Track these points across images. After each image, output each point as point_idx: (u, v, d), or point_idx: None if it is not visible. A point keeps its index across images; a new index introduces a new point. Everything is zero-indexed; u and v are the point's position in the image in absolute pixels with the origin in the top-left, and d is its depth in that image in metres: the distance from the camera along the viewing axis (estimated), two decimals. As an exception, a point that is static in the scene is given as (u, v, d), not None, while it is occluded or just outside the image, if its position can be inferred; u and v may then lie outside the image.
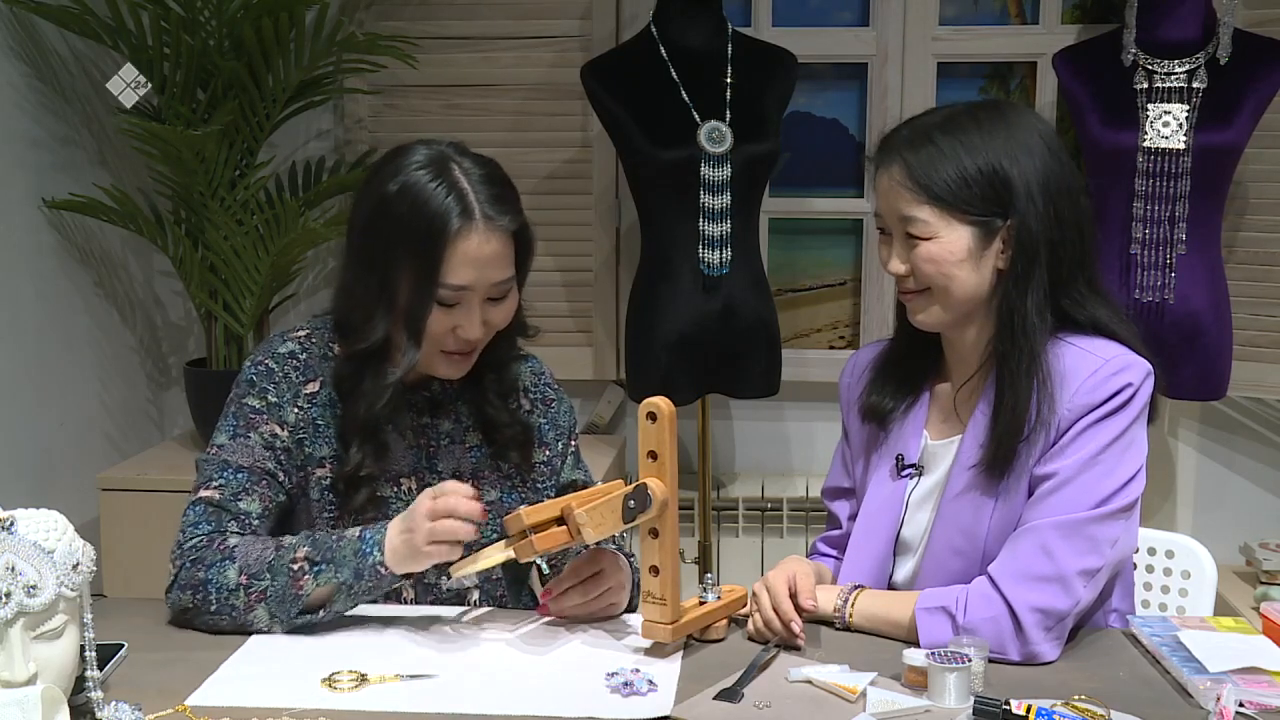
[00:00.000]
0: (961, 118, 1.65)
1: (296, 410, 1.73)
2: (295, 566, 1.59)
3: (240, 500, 1.68)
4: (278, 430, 1.71)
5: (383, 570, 1.58)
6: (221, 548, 1.63)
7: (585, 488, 1.89)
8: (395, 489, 1.75)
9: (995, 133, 1.63)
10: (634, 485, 1.56)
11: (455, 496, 1.55)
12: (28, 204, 2.91)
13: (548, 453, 1.86)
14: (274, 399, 1.72)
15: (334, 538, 1.62)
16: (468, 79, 3.38)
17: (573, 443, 1.91)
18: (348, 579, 1.59)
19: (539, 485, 1.85)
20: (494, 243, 1.64)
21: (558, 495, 1.85)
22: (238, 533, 1.67)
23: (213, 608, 1.61)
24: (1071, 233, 1.64)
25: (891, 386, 1.79)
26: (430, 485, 1.75)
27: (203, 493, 1.69)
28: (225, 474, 1.69)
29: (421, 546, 1.55)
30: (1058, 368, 1.63)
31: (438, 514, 1.54)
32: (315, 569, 1.59)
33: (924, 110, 1.74)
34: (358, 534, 1.61)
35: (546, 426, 1.87)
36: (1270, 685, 1.45)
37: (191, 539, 1.66)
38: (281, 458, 1.71)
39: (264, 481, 1.70)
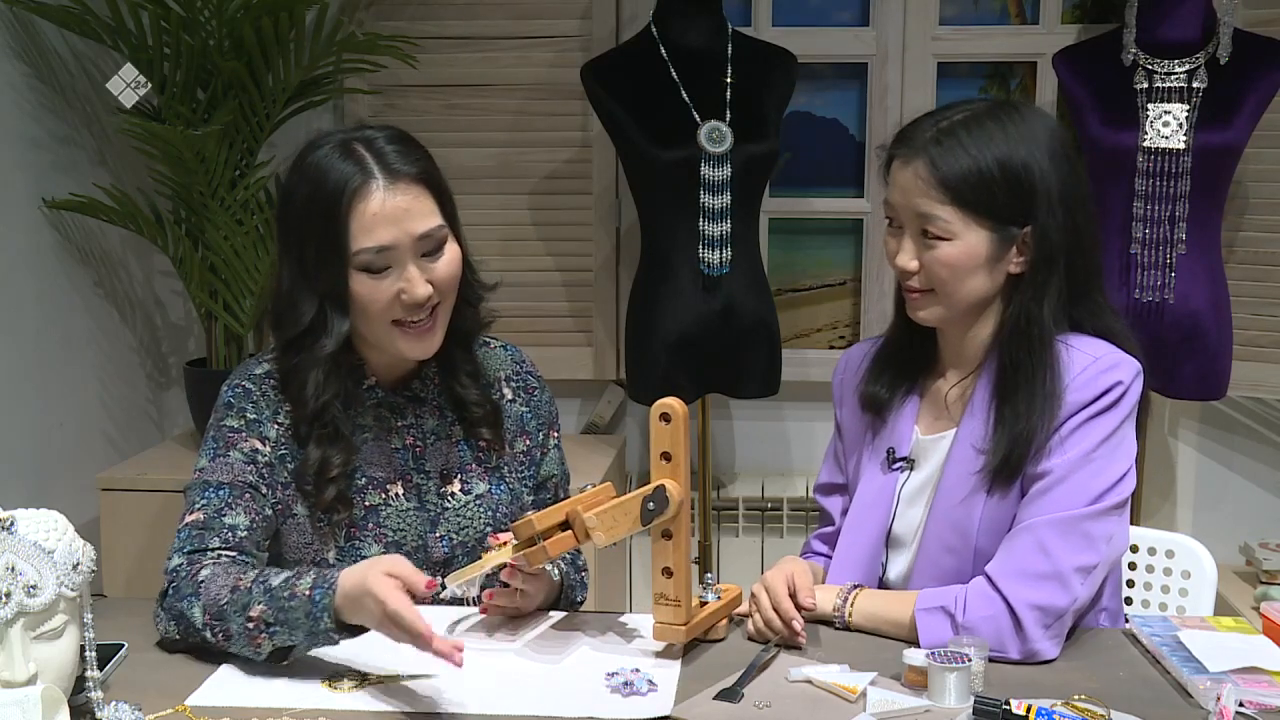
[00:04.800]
0: (984, 117, 1.64)
1: (277, 426, 1.71)
2: (251, 625, 1.52)
3: (224, 515, 1.66)
4: (259, 445, 1.70)
5: (335, 636, 1.50)
6: (193, 579, 1.59)
7: (563, 483, 1.90)
8: (383, 495, 1.73)
9: (1016, 134, 1.62)
10: (652, 487, 1.56)
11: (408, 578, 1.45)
12: (28, 204, 2.91)
13: (528, 442, 1.84)
14: (253, 416, 1.71)
15: (286, 593, 1.51)
16: (468, 79, 3.38)
17: (554, 434, 1.89)
18: (302, 641, 1.52)
19: (521, 474, 1.83)
20: (402, 195, 1.62)
21: (536, 488, 1.85)
22: (219, 550, 1.63)
23: (195, 639, 1.58)
24: (1087, 240, 1.65)
25: (888, 377, 1.79)
26: (419, 486, 1.75)
27: (188, 517, 1.67)
28: (207, 494, 1.67)
29: (379, 625, 1.45)
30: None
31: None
32: (270, 630, 1.51)
33: (941, 106, 1.72)
34: (308, 592, 1.50)
35: (529, 415, 1.85)
36: (1270, 685, 1.45)
37: (175, 563, 1.63)
38: (264, 472, 1.69)
39: (247, 495, 1.67)
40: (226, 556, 1.64)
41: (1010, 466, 1.62)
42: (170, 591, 1.61)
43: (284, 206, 1.69)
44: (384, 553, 1.71)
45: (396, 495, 1.74)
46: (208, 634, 1.56)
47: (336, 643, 1.51)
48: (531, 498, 1.85)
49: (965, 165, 1.61)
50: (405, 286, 1.63)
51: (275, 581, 1.54)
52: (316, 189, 1.63)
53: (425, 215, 1.64)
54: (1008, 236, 1.63)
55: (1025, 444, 1.61)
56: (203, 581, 1.58)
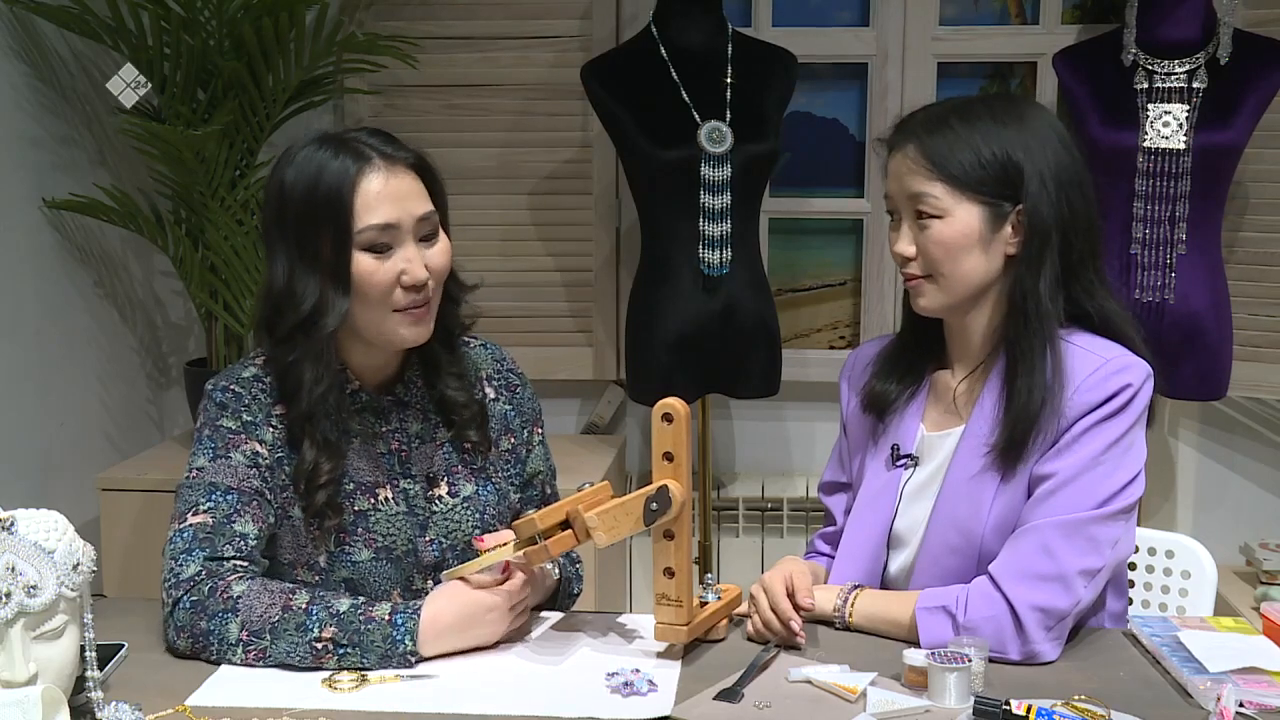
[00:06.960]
0: (977, 106, 1.67)
1: (271, 429, 1.70)
2: (319, 645, 1.54)
3: (234, 522, 1.64)
4: (258, 448, 1.69)
5: (412, 659, 1.55)
6: (225, 597, 1.57)
7: (550, 478, 1.90)
8: (372, 500, 1.72)
9: (1009, 123, 1.65)
10: (655, 487, 1.56)
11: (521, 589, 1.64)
12: (28, 204, 2.91)
13: (513, 440, 1.84)
14: (248, 418, 1.70)
15: (361, 617, 1.56)
16: (468, 79, 3.38)
17: (538, 430, 1.89)
18: (373, 664, 1.55)
19: (507, 472, 1.83)
20: (400, 178, 1.66)
21: (523, 485, 1.86)
22: (234, 560, 1.62)
23: (213, 657, 1.57)
24: (1082, 222, 1.66)
25: (897, 374, 1.79)
26: (405, 491, 1.75)
27: (192, 518, 1.64)
28: (213, 496, 1.65)
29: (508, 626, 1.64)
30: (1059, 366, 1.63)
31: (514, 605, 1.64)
32: (340, 651, 1.54)
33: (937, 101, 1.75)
34: (388, 617, 1.56)
35: (512, 413, 1.85)
36: (1270, 685, 1.45)
37: (188, 569, 1.60)
38: (266, 475, 1.68)
39: (254, 502, 1.66)
40: (241, 568, 1.63)
41: (1016, 445, 1.62)
42: (189, 605, 1.58)
43: (279, 199, 1.68)
44: (374, 558, 1.71)
45: (385, 500, 1.73)
46: (239, 649, 1.55)
47: (413, 665, 1.55)
48: (518, 496, 1.85)
49: (952, 143, 1.64)
50: (406, 267, 1.65)
51: (342, 607, 1.57)
52: (318, 175, 1.64)
53: (423, 199, 1.68)
54: (1000, 213, 1.64)
55: (1029, 421, 1.61)
56: (239, 597, 1.57)
